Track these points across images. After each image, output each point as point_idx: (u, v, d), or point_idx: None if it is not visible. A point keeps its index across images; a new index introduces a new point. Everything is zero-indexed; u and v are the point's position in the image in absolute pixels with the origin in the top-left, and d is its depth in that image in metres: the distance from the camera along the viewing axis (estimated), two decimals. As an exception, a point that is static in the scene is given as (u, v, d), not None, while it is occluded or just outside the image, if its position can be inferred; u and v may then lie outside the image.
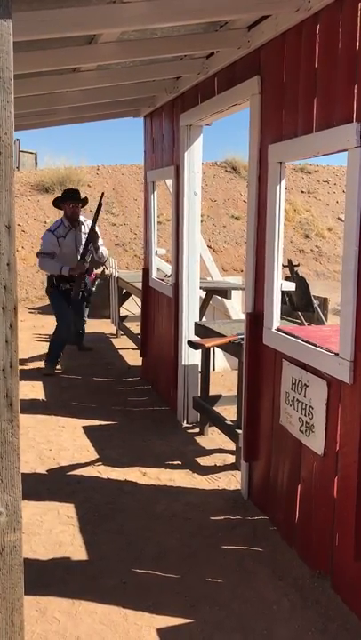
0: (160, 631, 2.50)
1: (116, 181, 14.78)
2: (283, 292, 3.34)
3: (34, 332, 8.61)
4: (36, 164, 18.15)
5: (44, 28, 2.68)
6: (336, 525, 2.69)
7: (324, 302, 8.26)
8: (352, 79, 2.48)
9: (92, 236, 6.21)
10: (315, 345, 2.86)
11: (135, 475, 3.97)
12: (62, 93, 4.29)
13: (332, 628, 2.51)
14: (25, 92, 3.85)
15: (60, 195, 6.69)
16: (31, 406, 5.21)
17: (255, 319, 3.43)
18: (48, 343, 6.54)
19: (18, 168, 15.99)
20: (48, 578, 2.84)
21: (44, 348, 7.72)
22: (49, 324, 9.36)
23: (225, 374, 6.23)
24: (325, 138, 2.67)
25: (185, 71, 4.27)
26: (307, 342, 2.93)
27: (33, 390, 5.77)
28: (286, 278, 8.07)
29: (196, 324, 4.81)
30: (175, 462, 4.18)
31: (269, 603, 2.68)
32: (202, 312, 6.16)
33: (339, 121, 2.56)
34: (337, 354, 2.62)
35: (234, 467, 4.06)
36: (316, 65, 2.77)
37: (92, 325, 9.23)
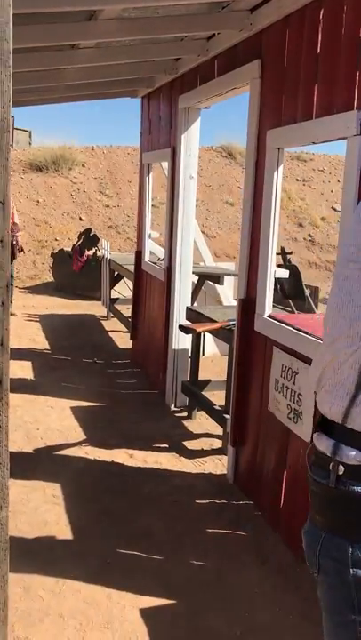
0: (143, 611, 2.52)
1: (110, 162, 14.66)
2: (275, 279, 3.35)
3: (24, 312, 8.56)
4: (30, 141, 17.92)
5: (45, 0, 2.64)
6: (320, 512, 2.72)
7: (315, 291, 8.26)
8: (354, 66, 2.46)
9: None
10: (306, 333, 2.86)
11: (122, 456, 3.98)
12: (60, 70, 4.23)
13: (313, 614, 2.54)
14: (22, 67, 3.78)
15: None
16: (20, 385, 5.19)
17: (247, 305, 3.42)
18: None
19: (12, 145, 15.80)
20: (33, 556, 2.85)
21: (32, 328, 7.69)
22: (39, 303, 9.31)
23: (214, 360, 6.23)
24: (325, 125, 2.66)
25: (185, 52, 4.22)
26: (298, 330, 2.93)
27: (22, 369, 5.76)
28: (278, 266, 8.07)
29: (187, 308, 4.80)
30: (162, 445, 4.20)
31: (252, 586, 2.71)
32: (194, 297, 6.14)
33: (339, 108, 2.55)
34: (328, 342, 2.63)
35: (220, 451, 4.08)
36: (319, 50, 2.75)
37: (82, 307, 9.22)
